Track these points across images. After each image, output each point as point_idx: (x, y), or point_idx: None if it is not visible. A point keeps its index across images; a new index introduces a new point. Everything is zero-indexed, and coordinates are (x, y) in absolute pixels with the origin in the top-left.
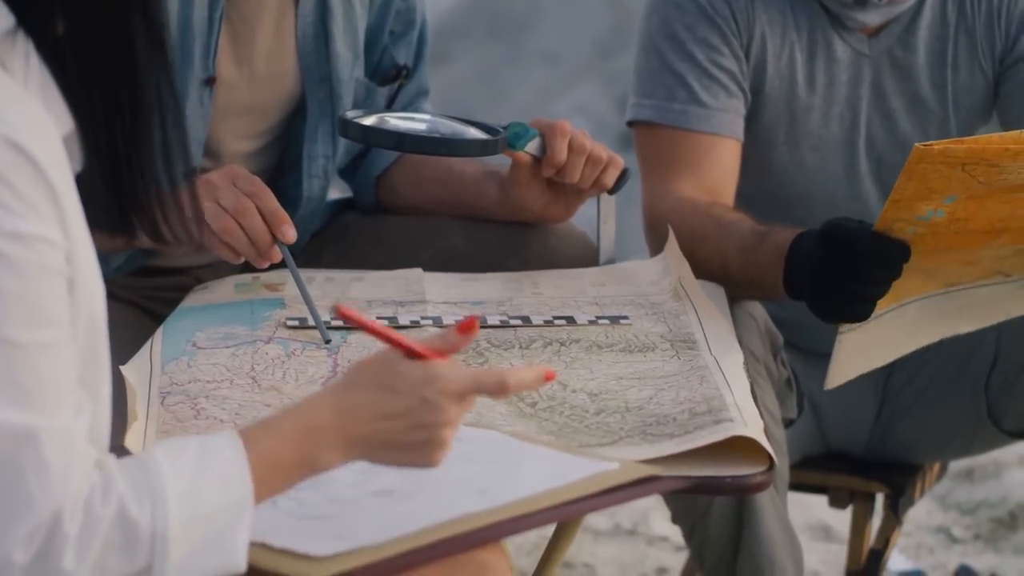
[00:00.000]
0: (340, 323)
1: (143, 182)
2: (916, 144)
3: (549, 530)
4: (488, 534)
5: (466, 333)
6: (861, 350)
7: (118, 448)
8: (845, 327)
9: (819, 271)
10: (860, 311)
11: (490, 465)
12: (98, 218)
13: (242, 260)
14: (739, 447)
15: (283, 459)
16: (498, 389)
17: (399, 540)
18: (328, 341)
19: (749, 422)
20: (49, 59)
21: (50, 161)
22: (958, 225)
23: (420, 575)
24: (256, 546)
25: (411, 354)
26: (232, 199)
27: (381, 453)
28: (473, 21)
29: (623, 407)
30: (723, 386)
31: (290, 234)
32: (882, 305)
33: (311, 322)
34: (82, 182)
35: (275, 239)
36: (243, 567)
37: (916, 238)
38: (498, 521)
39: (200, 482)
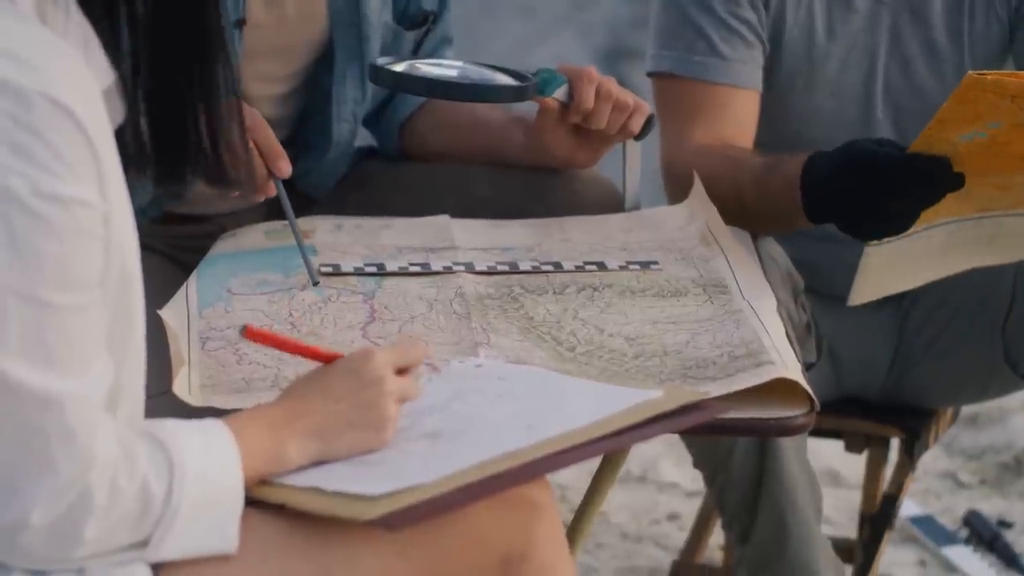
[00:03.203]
0: (373, 269)
1: (209, 133)
2: (969, 72)
3: (570, 479)
4: (538, 468)
5: None
6: (887, 267)
7: (161, 394)
8: (875, 242)
9: (851, 197)
10: (901, 226)
11: (535, 401)
12: (138, 170)
13: (237, 194)
14: (772, 391)
15: (257, 449)
16: (415, 345)
17: (450, 477)
18: (316, 283)
19: (789, 365)
20: (90, 11)
21: (91, 118)
22: (998, 148)
23: (471, 514)
24: (309, 491)
25: (322, 359)
26: None
27: (333, 438)
28: None
29: (661, 351)
30: (760, 330)
31: (285, 168)
32: (916, 222)
33: (345, 268)
34: (120, 134)
35: (271, 173)
36: (234, 550)
37: (955, 156)
38: (548, 454)
39: (208, 466)
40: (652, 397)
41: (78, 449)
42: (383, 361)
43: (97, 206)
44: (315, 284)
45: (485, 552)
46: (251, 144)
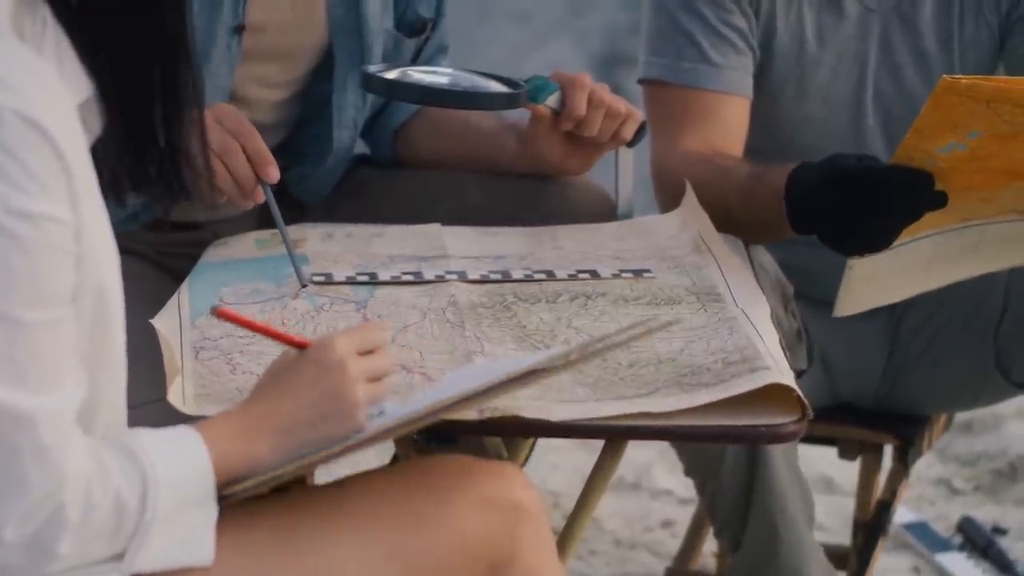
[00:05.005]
0: (366, 278)
1: (168, 143)
2: (944, 75)
3: (563, 487)
4: (448, 411)
5: None
6: (872, 280)
7: (151, 403)
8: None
9: (833, 214)
10: (882, 243)
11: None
12: (115, 183)
13: (225, 199)
14: (764, 398)
15: (230, 453)
16: (376, 327)
17: (378, 429)
18: (305, 285)
19: (784, 371)
20: (67, 24)
21: (64, 135)
22: (979, 163)
23: (458, 517)
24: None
25: (293, 344)
26: (218, 138)
27: (306, 430)
28: None
29: (656, 359)
30: (754, 336)
31: (274, 175)
32: (898, 237)
33: (337, 278)
34: (98, 148)
35: (259, 180)
36: (210, 561)
37: (936, 172)
38: (461, 398)
39: (180, 474)
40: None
41: (51, 466)
42: (343, 347)
43: (68, 222)
44: (303, 287)
45: (472, 555)
46: (238, 152)
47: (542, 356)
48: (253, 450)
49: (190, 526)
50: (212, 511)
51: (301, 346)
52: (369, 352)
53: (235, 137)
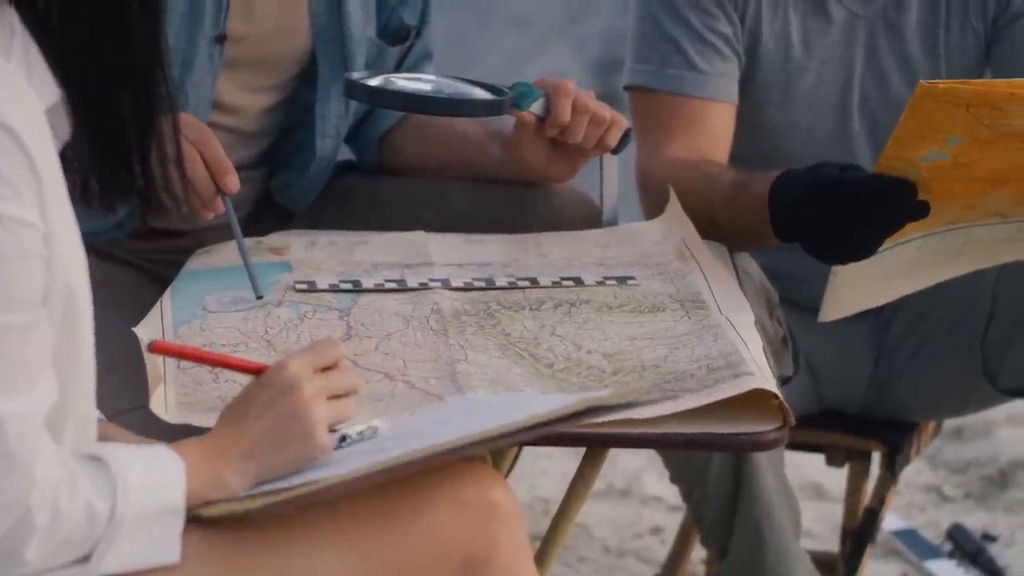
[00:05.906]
0: (349, 286)
1: (138, 150)
2: (921, 81)
3: (554, 493)
4: (424, 463)
5: None
6: (857, 285)
7: (133, 409)
8: None
9: (815, 224)
10: (864, 253)
11: (499, 414)
12: (85, 191)
13: (185, 209)
14: (748, 406)
15: (194, 468)
16: (330, 344)
17: (342, 475)
18: (260, 296)
19: (768, 378)
20: (36, 29)
21: (34, 139)
22: (961, 171)
23: (432, 515)
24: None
25: (248, 371)
26: None
27: (266, 455)
28: None
29: (639, 366)
30: (738, 343)
31: (233, 184)
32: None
33: (320, 285)
34: (67, 153)
35: (219, 190)
36: (176, 560)
37: (919, 181)
38: (442, 451)
39: (151, 480)
40: (598, 395)
41: (19, 470)
42: (297, 368)
43: (38, 226)
44: (259, 298)
45: (446, 553)
46: (197, 161)
47: (552, 407)
48: (218, 472)
49: (158, 530)
50: (180, 517)
51: (258, 371)
52: (329, 369)
53: (194, 145)
